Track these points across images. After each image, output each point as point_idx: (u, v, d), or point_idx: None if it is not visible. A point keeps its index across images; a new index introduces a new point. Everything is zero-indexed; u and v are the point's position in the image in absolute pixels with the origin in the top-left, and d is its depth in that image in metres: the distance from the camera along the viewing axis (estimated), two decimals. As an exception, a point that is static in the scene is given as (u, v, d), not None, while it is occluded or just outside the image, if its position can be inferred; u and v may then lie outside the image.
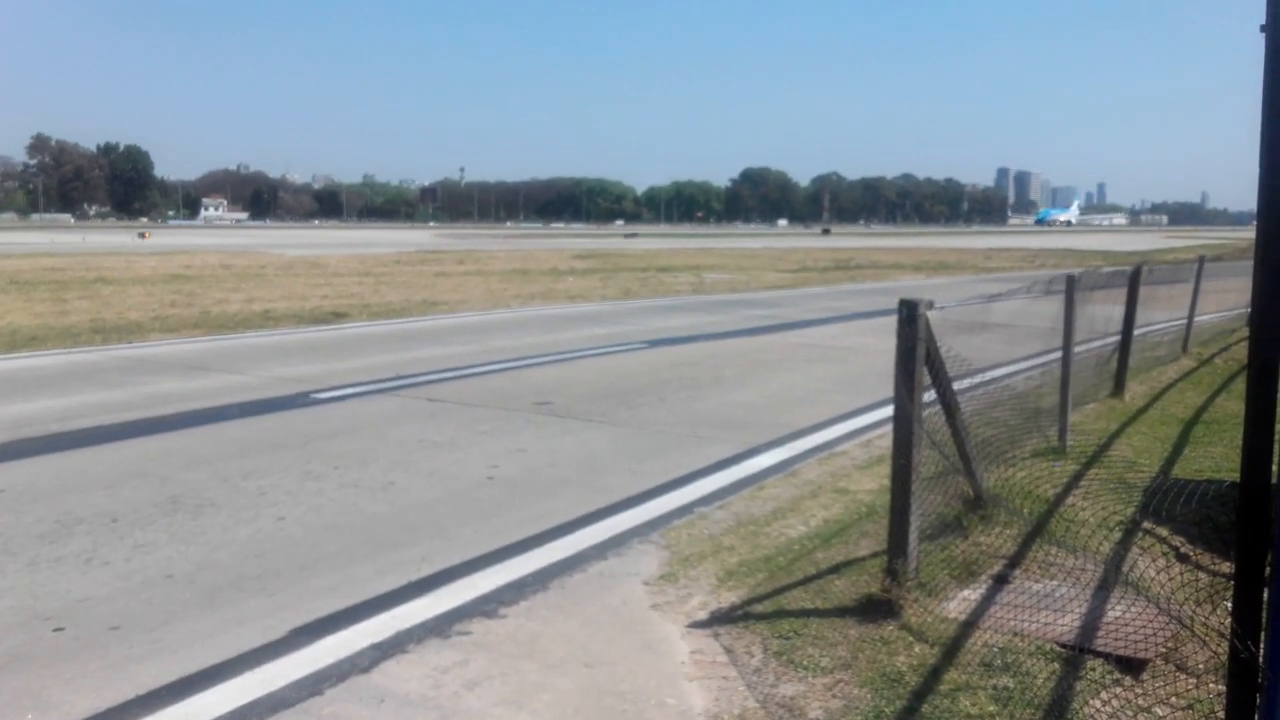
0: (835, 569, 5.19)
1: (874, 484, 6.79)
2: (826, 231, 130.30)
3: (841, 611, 4.64)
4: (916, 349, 4.64)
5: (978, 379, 5.72)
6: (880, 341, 14.09)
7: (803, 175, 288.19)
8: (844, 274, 34.52)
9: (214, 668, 4.09)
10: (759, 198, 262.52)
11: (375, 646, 4.29)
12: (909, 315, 4.64)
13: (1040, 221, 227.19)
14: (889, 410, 4.95)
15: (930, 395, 4.86)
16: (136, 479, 6.84)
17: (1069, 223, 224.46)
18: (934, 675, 4.02)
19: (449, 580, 5.08)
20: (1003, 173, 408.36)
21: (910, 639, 4.33)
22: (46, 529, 5.79)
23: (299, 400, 9.84)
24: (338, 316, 17.63)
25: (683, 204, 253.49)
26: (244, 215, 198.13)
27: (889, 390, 4.86)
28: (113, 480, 6.81)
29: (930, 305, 4.72)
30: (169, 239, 67.41)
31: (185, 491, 6.55)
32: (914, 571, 4.72)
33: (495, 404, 9.71)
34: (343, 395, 10.11)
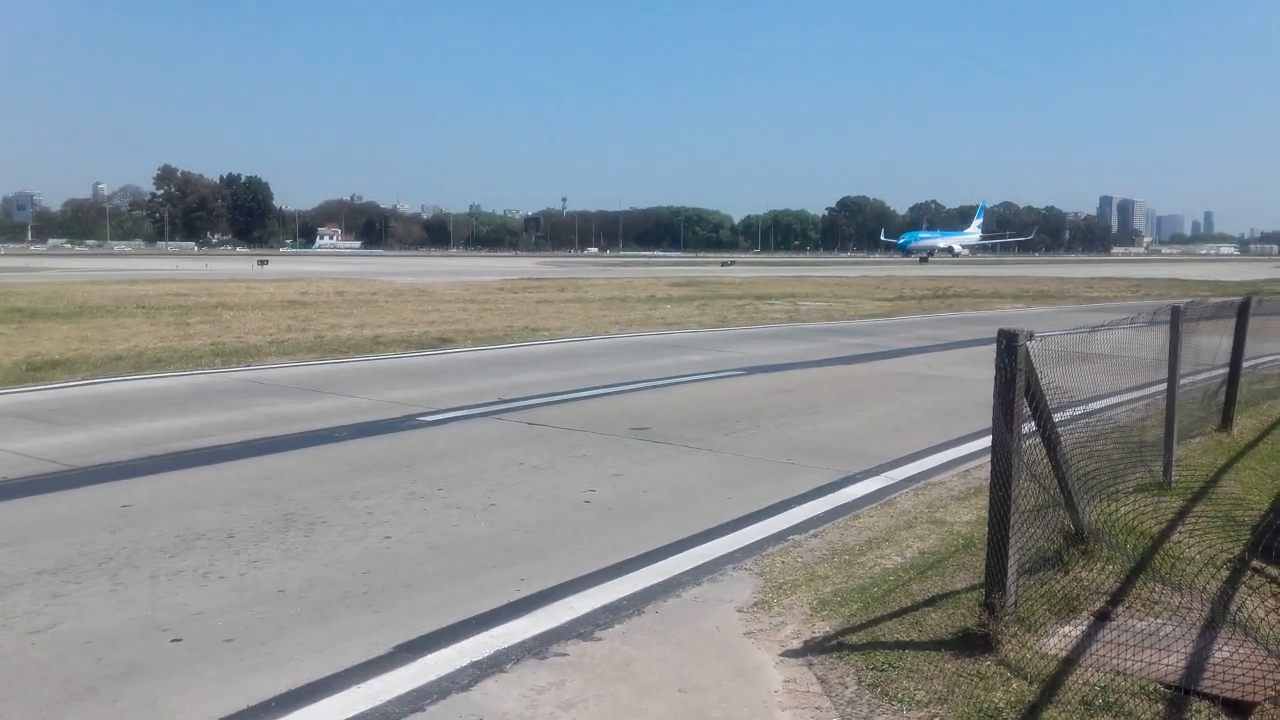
0: (931, 601, 5.14)
1: (971, 515, 6.71)
2: (924, 260, 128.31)
3: (937, 644, 4.61)
4: (1016, 380, 4.60)
5: (1079, 410, 5.63)
6: (978, 371, 13.87)
7: (900, 203, 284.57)
8: (941, 302, 33.97)
9: (322, 681, 4.25)
10: (856, 226, 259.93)
11: (475, 665, 4.41)
12: (1008, 346, 4.61)
13: (904, 250, 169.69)
14: (987, 441, 4.91)
15: (1030, 426, 4.80)
16: (252, 497, 7.15)
17: (953, 251, 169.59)
18: (1032, 712, 3.97)
19: (546, 601, 5.18)
20: (1105, 201, 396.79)
21: (1008, 675, 4.28)
22: (167, 543, 6.08)
23: (406, 423, 10.13)
24: (444, 342, 18.07)
25: (779, 232, 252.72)
26: (357, 244, 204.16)
27: (987, 420, 4.82)
28: (230, 497, 7.13)
29: (1030, 336, 4.68)
30: (286, 266, 69.83)
31: (298, 510, 6.82)
32: (1012, 606, 4.66)
33: (593, 429, 9.85)
34: (447, 418, 10.37)
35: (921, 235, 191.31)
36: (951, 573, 5.58)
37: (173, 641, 4.65)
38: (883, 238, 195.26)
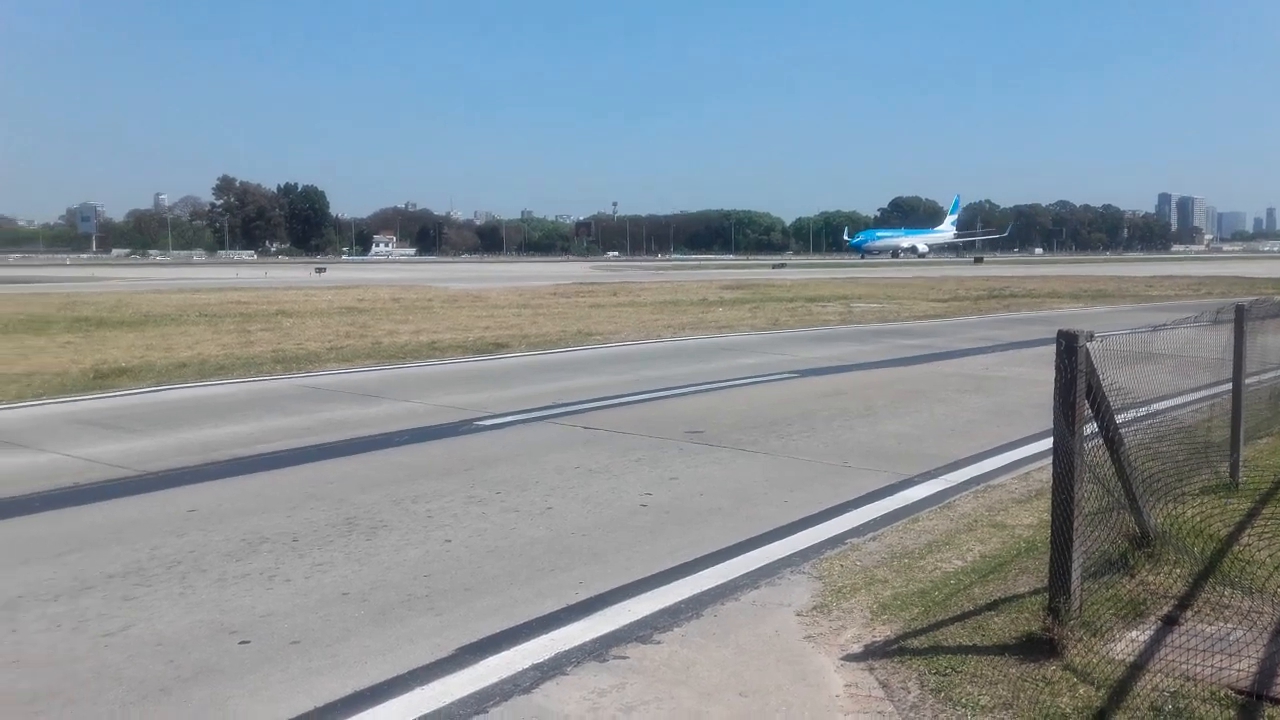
0: (993, 605, 5.09)
1: (1033, 519, 6.63)
2: (979, 260, 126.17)
3: (1001, 649, 4.56)
4: (1076, 381, 4.54)
5: (1141, 411, 5.54)
6: (1037, 372, 13.70)
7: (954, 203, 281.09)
8: (998, 303, 33.55)
9: (386, 683, 4.31)
10: (909, 226, 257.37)
11: (536, 667, 4.45)
12: (1068, 347, 4.55)
13: (858, 250, 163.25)
14: (1048, 443, 4.86)
15: (1091, 428, 4.74)
16: (315, 501, 7.27)
17: (916, 251, 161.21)
18: (1100, 718, 3.91)
19: (605, 605, 5.21)
20: (1165, 199, 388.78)
21: (1074, 680, 4.22)
22: (233, 547, 6.21)
23: (463, 427, 10.24)
24: (498, 347, 18.22)
25: (831, 234, 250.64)
26: (412, 251, 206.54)
27: (1047, 422, 4.77)
28: (293, 502, 7.26)
29: (1090, 336, 4.62)
30: (343, 274, 70.84)
31: (360, 513, 6.93)
32: (1077, 610, 4.60)
33: (647, 432, 9.87)
34: (503, 423, 10.46)
35: (881, 234, 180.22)
36: (1014, 576, 5.52)
37: (240, 644, 4.75)
38: (845, 237, 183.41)
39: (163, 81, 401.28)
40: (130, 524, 6.73)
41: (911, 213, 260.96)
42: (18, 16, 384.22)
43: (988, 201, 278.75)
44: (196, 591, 5.44)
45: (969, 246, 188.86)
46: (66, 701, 4.14)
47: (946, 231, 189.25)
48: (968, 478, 8.01)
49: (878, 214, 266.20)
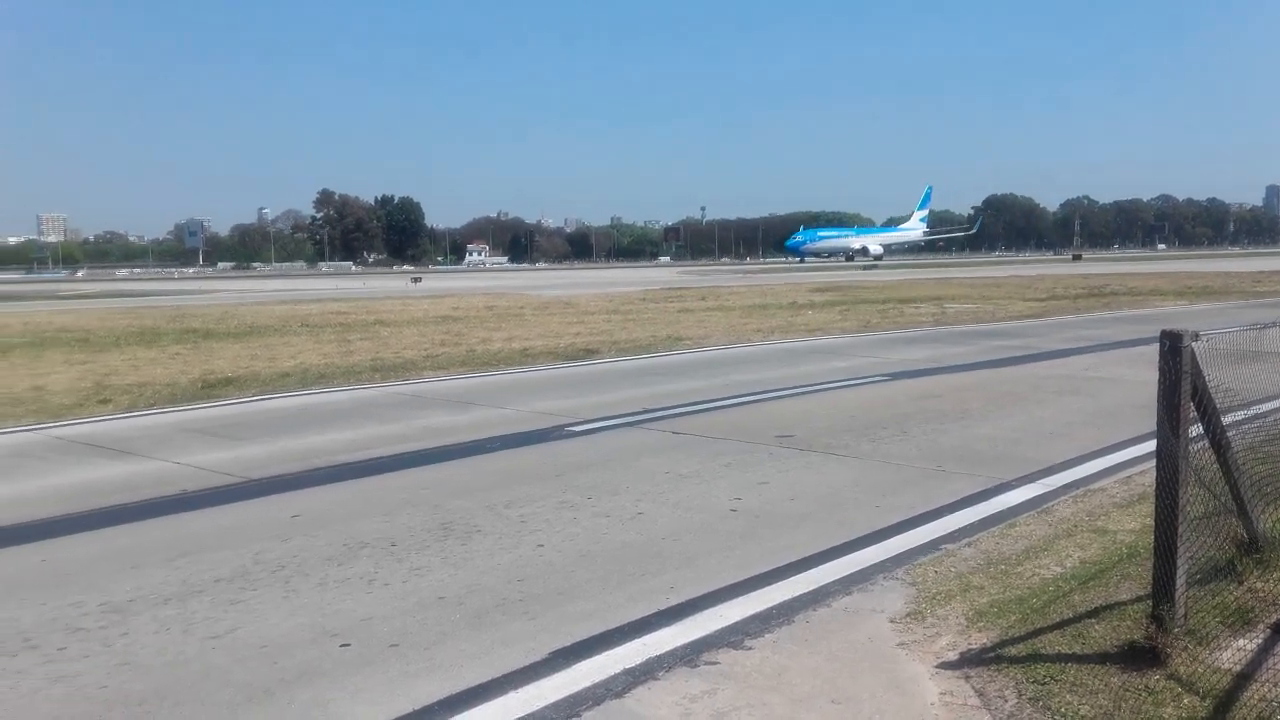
0: (1094, 613, 4.97)
1: (1135, 524, 6.44)
2: (1078, 257, 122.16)
3: (1102, 658, 4.45)
4: (1180, 382, 4.41)
5: (1250, 412, 5.34)
6: (1139, 372, 13.30)
7: (1051, 200, 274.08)
8: (1097, 301, 32.58)
9: (481, 686, 4.38)
10: (1003, 225, 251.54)
11: (628, 672, 4.48)
12: (1172, 347, 4.42)
13: (795, 252, 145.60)
14: (1150, 445, 4.73)
15: (1196, 430, 4.59)
16: (412, 506, 7.43)
17: (868, 254, 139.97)
18: (1206, 729, 3.80)
19: (696, 610, 5.22)
20: (1273, 190, 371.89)
21: (1178, 689, 4.10)
22: (334, 552, 6.39)
23: (555, 433, 10.36)
24: (589, 353, 18.37)
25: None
26: (504, 259, 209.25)
27: (1149, 424, 4.64)
28: (391, 507, 7.43)
29: (1195, 336, 4.48)
30: (438, 283, 72.13)
31: (455, 519, 7.06)
32: (1182, 618, 4.46)
33: (737, 437, 9.86)
34: (594, 428, 10.55)
35: (825, 233, 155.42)
36: (1115, 583, 5.37)
37: (341, 646, 4.87)
38: (787, 244, 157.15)
39: (265, 99, 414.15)
40: (236, 529, 6.97)
41: (1005, 210, 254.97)
42: (124, 42, 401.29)
43: (1086, 198, 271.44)
44: (299, 595, 5.60)
45: (934, 247, 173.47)
46: (175, 703, 4.30)
47: (913, 230, 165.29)
48: (1067, 482, 7.81)
49: (971, 212, 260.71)
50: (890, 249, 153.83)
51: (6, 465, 9.33)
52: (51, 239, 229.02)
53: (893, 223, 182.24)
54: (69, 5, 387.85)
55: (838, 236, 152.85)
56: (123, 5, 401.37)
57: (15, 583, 5.93)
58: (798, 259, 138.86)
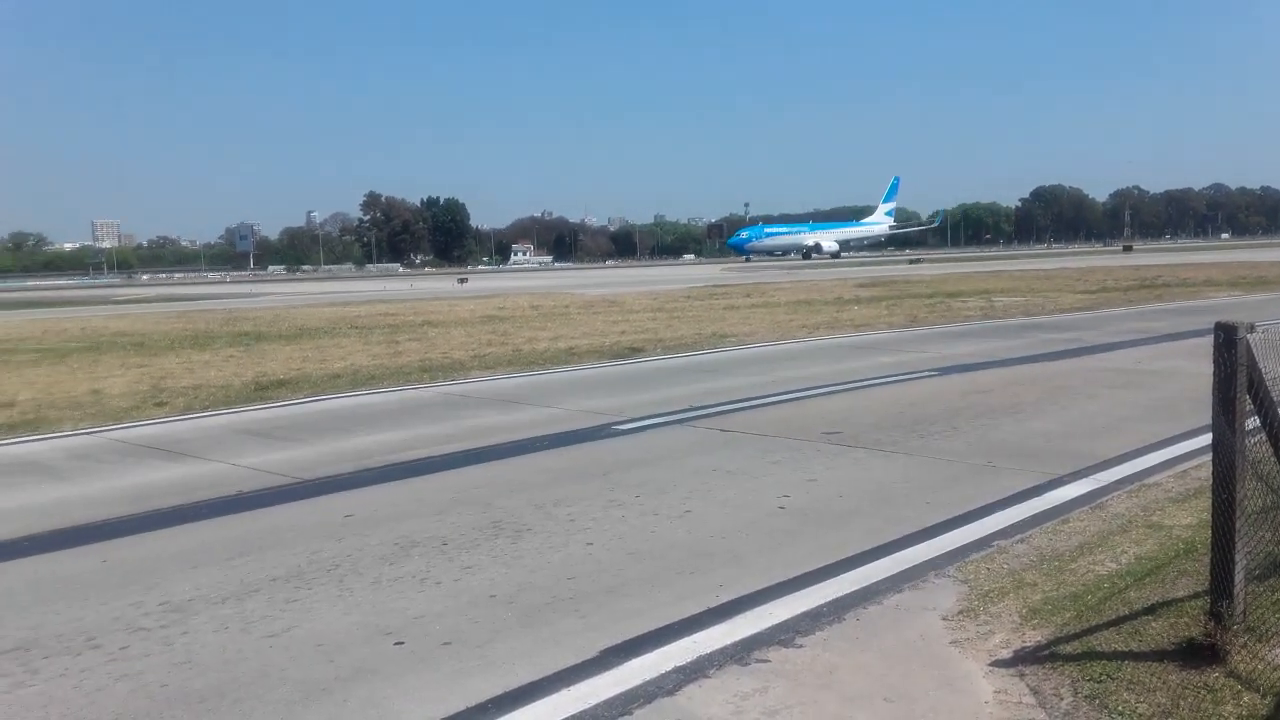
0: (1150, 609, 4.90)
1: (1191, 519, 6.33)
2: (1128, 248, 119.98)
3: (1159, 655, 4.39)
4: (1236, 375, 4.33)
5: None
6: (1193, 365, 13.02)
7: (1100, 191, 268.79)
8: (1149, 293, 32.03)
9: (533, 684, 4.42)
10: (1052, 217, 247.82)
11: (679, 670, 4.49)
12: (1226, 339, 4.35)
13: (740, 251, 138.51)
14: (1205, 439, 4.65)
15: (1253, 423, 4.51)
16: (462, 505, 7.50)
17: (822, 251, 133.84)
18: (1267, 728, 3.73)
19: (746, 608, 5.23)
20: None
21: (1238, 687, 4.04)
22: (387, 551, 6.47)
23: (601, 431, 10.40)
24: (634, 351, 18.40)
25: (969, 226, 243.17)
26: (548, 258, 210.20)
27: (1204, 418, 4.56)
28: (442, 506, 7.51)
29: (1250, 328, 4.40)
30: (484, 283, 72.63)
31: (505, 517, 7.12)
32: (1241, 614, 4.39)
33: (785, 434, 9.83)
34: (641, 426, 10.58)
35: (773, 230, 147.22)
36: (1172, 579, 5.30)
37: (395, 644, 4.94)
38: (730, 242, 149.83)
39: (311, 104, 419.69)
40: (290, 529, 7.08)
41: (1054, 202, 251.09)
42: (173, 51, 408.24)
43: (1136, 188, 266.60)
44: (353, 594, 5.68)
45: (900, 242, 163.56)
46: (235, 700, 4.38)
47: (878, 225, 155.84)
48: (1120, 476, 7.71)
49: (1019, 204, 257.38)
50: (850, 245, 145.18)
51: (69, 467, 9.55)
52: (106, 245, 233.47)
53: (857, 215, 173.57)
54: (120, 17, 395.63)
55: (788, 233, 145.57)
56: (172, 16, 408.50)
57: (78, 583, 6.07)
58: (743, 258, 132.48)
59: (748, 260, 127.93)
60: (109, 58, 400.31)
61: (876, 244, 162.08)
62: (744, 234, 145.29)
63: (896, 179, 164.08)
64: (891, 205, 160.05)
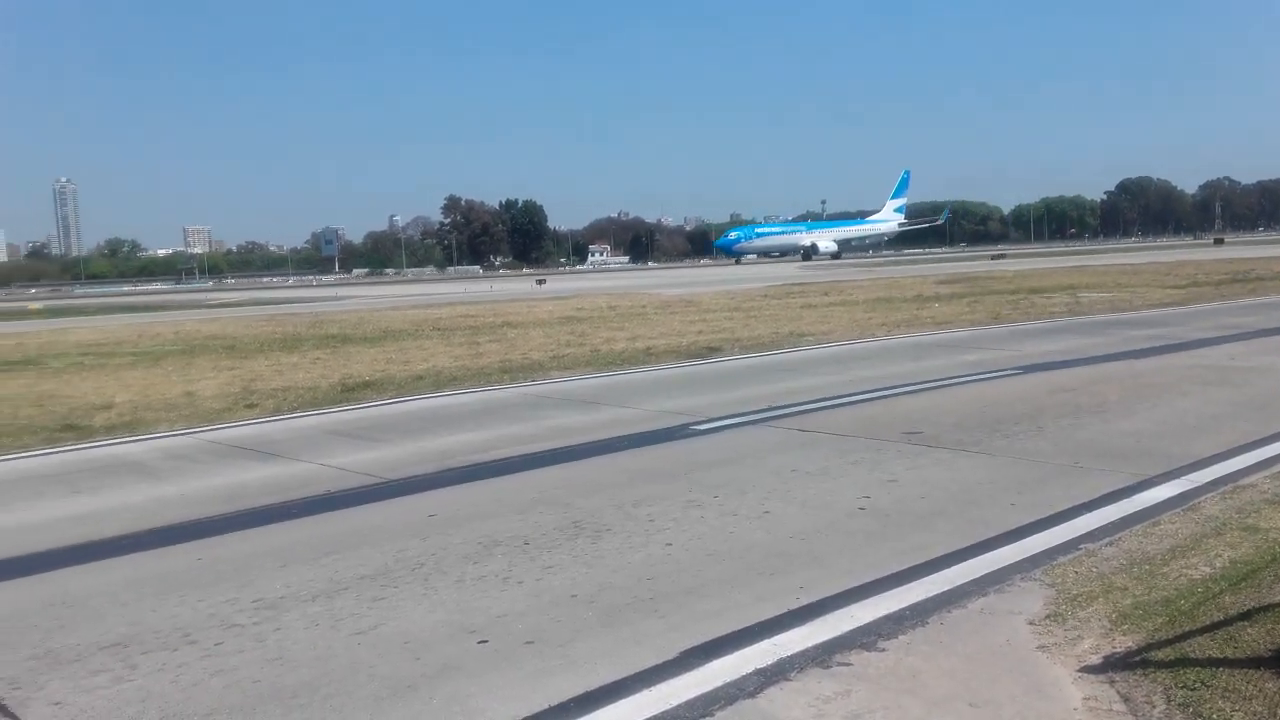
0: (1246, 615, 4.75)
1: (1292, 522, 6.13)
2: (1219, 241, 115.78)
3: (1255, 662, 4.26)
4: (1337, 374, 4.19)
5: None
6: (1293, 361, 12.61)
7: (1189, 183, 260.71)
8: (1243, 287, 30.93)
9: (615, 684, 4.45)
10: (1139, 210, 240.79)
11: (759, 672, 4.49)
12: (1326, 337, 4.19)
13: (730, 253, 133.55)
14: (1306, 442, 4.50)
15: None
16: (543, 505, 7.59)
17: (819, 251, 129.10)
18: (1372, 740, 3.60)
19: (826, 610, 5.19)
20: None
21: (1341, 697, 3.90)
22: (470, 550, 6.57)
23: (680, 432, 10.42)
24: (712, 351, 18.38)
25: (1053, 220, 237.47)
26: (625, 259, 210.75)
27: (1305, 420, 4.42)
28: (523, 506, 7.60)
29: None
30: (562, 284, 73.13)
31: (585, 517, 7.18)
32: (1344, 622, 4.24)
33: (864, 433, 9.74)
34: (719, 426, 10.57)
35: (765, 230, 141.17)
36: (1269, 584, 5.14)
37: (479, 643, 5.01)
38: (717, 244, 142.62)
39: (393, 109, 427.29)
40: (377, 528, 7.23)
41: (1141, 194, 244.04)
42: (258, 62, 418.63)
43: (1227, 179, 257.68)
44: (438, 592, 5.78)
45: (906, 239, 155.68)
46: (325, 696, 4.49)
47: (884, 222, 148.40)
48: (1214, 477, 7.48)
49: (1104, 197, 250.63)
50: (851, 245, 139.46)
51: (165, 467, 9.87)
52: (197, 250, 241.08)
53: (864, 214, 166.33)
54: (213, 33, 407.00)
55: (783, 233, 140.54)
56: (259, 32, 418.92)
57: (174, 580, 6.28)
58: (732, 260, 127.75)
59: (738, 262, 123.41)
60: (201, 72, 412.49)
61: (880, 242, 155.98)
62: (733, 234, 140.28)
63: (907, 173, 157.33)
64: (901, 201, 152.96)
